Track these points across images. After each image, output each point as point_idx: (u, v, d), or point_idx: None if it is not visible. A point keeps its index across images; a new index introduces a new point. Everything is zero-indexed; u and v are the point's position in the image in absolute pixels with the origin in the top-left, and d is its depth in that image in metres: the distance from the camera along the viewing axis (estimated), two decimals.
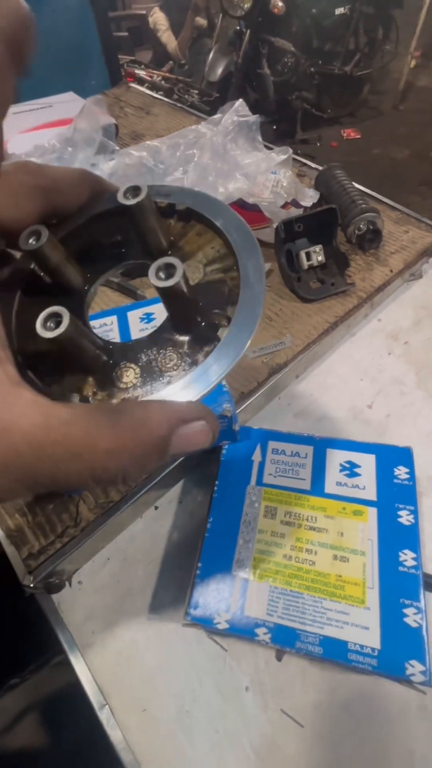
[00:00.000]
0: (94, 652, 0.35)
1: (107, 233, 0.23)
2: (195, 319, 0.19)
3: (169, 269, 0.17)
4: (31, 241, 0.19)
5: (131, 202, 0.19)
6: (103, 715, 0.32)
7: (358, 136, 2.72)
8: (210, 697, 0.33)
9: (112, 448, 0.14)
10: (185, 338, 0.19)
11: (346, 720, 0.31)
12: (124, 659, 0.34)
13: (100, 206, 0.22)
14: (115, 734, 0.32)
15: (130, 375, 0.19)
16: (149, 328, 0.43)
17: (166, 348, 0.19)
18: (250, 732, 0.31)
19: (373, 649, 0.27)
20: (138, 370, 0.19)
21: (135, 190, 0.20)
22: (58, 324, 0.16)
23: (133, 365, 0.19)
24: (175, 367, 0.19)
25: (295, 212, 0.54)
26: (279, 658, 0.33)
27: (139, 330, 0.43)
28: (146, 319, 0.43)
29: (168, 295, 0.18)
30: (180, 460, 0.39)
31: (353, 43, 2.62)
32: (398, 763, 0.29)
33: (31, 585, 0.34)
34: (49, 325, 0.16)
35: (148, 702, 0.33)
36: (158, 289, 0.17)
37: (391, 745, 0.30)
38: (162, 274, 0.17)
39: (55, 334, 0.16)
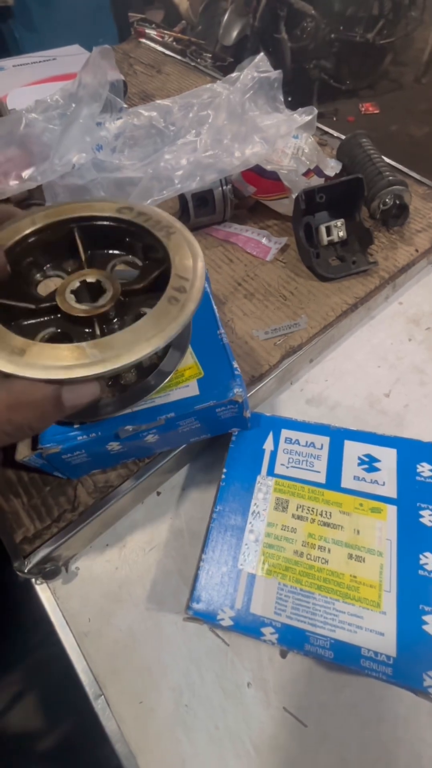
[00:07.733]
0: (89, 640, 0.33)
1: None
2: None
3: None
4: None
5: None
6: (99, 706, 0.31)
7: (377, 111, 2.58)
8: (210, 692, 0.31)
9: (13, 404, 0.20)
10: None
11: (351, 721, 0.30)
12: (120, 649, 0.33)
13: None
14: (110, 725, 0.31)
15: None
16: None
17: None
18: (252, 729, 0.30)
19: (388, 657, 0.25)
20: None
21: None
22: None
23: None
24: None
25: (316, 182, 0.50)
26: (283, 655, 0.32)
27: None
28: None
29: None
30: (181, 447, 0.37)
31: (377, 8, 2.45)
32: (405, 767, 0.28)
33: (26, 570, 0.32)
34: None
35: (145, 694, 0.32)
36: None
37: (398, 749, 0.29)
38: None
39: None
